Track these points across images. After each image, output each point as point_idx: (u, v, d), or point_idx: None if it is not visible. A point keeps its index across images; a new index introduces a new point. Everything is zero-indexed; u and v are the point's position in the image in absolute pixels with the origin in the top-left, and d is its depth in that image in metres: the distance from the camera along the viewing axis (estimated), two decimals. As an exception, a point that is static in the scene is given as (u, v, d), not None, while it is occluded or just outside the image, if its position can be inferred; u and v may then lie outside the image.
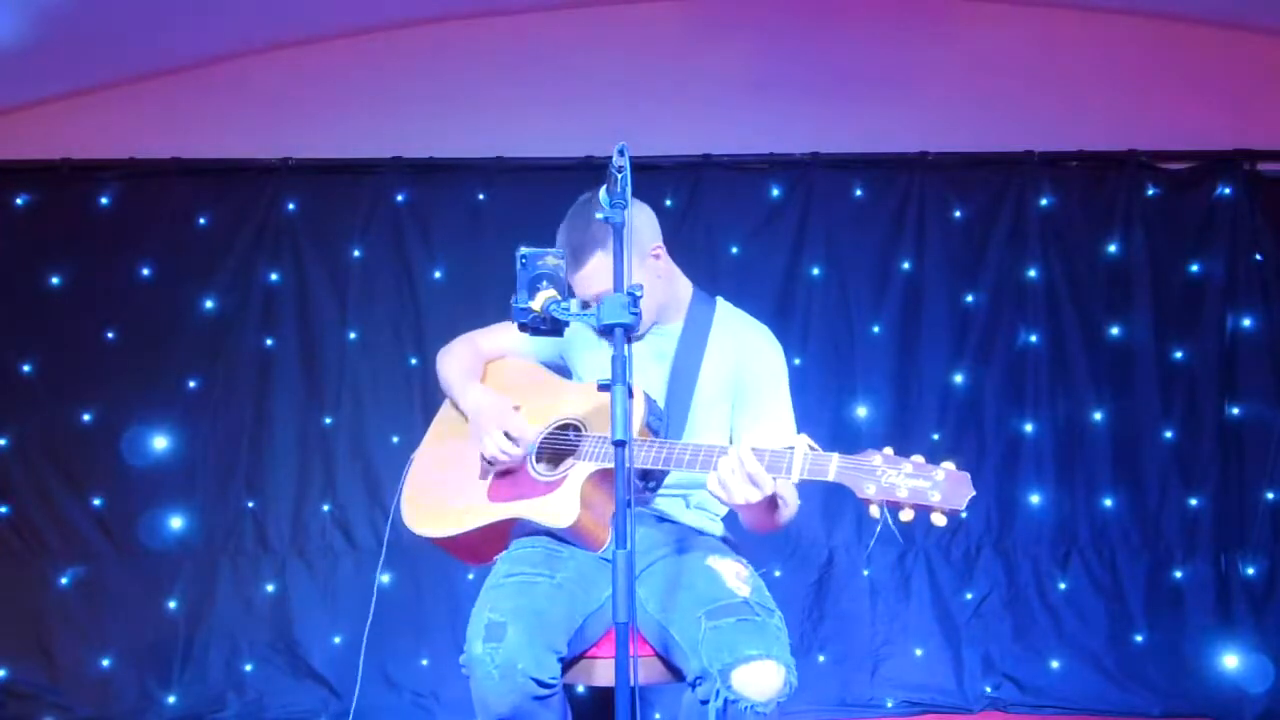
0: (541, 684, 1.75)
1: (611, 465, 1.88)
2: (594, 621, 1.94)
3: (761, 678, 1.74)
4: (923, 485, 1.66)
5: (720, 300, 2.24)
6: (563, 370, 2.30)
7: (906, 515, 1.68)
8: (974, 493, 1.66)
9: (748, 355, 2.14)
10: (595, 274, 2.02)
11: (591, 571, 1.98)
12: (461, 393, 2.23)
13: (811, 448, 1.76)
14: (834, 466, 1.72)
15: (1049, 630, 3.55)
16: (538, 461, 2.08)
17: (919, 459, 1.70)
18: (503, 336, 2.32)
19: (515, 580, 1.91)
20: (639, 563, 1.99)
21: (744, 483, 1.76)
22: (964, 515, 1.68)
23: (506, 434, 2.06)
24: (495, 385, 2.26)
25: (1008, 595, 3.57)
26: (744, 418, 2.12)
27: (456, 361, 2.30)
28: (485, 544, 2.12)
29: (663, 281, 2.12)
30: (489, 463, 2.10)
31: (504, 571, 1.97)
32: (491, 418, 2.10)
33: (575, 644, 1.90)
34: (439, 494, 2.17)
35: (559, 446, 2.07)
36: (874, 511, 1.70)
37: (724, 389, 2.12)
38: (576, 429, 2.07)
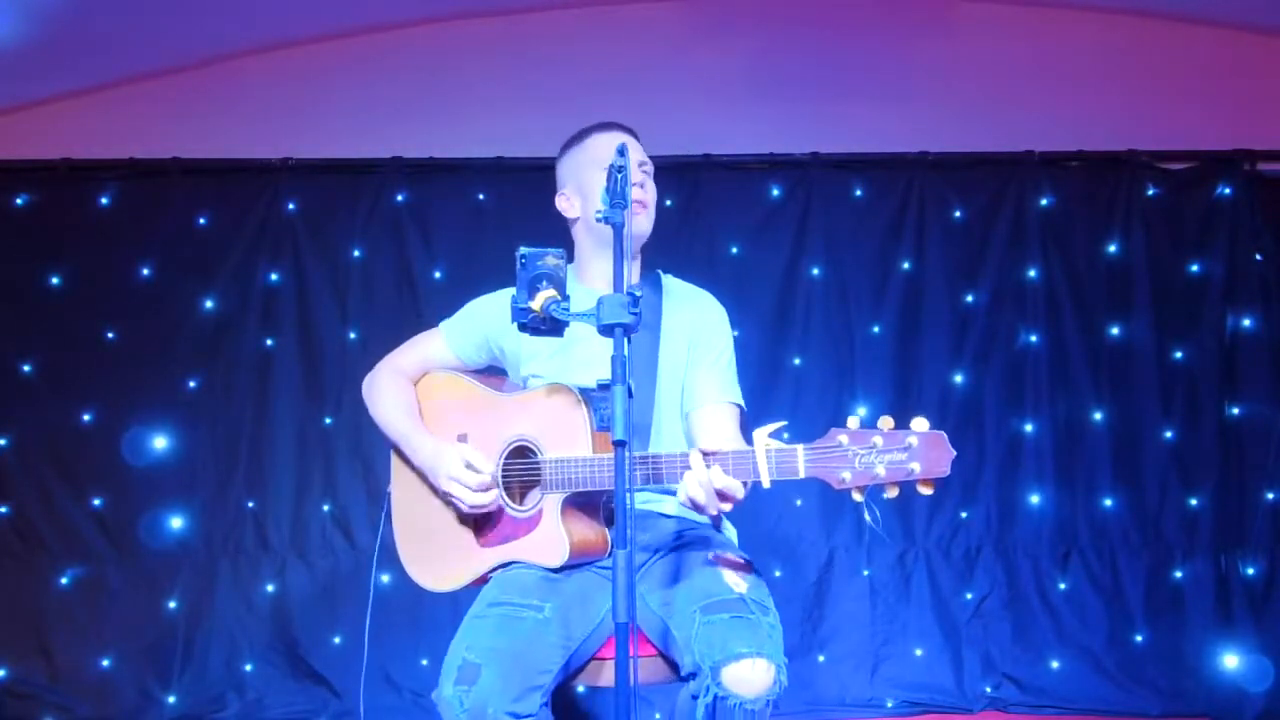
0: None
1: (579, 489, 1.90)
2: (594, 638, 1.93)
3: (751, 675, 1.72)
4: (899, 458, 1.60)
5: (663, 274, 2.26)
6: (494, 371, 2.26)
7: (892, 493, 1.63)
8: (954, 453, 1.59)
9: (702, 324, 2.17)
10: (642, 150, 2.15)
11: (591, 589, 1.96)
12: (410, 445, 2.13)
13: (773, 435, 1.70)
14: (802, 462, 1.67)
15: (1049, 630, 3.54)
16: (507, 493, 2.04)
17: (887, 423, 1.63)
18: (421, 350, 2.27)
19: (498, 613, 1.86)
20: (641, 559, 1.99)
21: (713, 499, 1.75)
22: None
23: (470, 488, 2.01)
24: (432, 409, 2.18)
25: (1008, 595, 3.57)
26: (695, 374, 2.12)
27: (390, 400, 2.20)
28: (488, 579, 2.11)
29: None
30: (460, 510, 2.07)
31: (490, 598, 1.92)
32: (446, 473, 2.02)
33: (572, 664, 1.89)
34: (433, 545, 2.12)
35: (521, 475, 2.03)
36: (856, 496, 1.65)
37: (681, 362, 2.13)
38: (532, 451, 2.01)
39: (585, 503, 1.97)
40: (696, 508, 1.78)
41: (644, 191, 2.12)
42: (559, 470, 1.93)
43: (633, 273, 2.17)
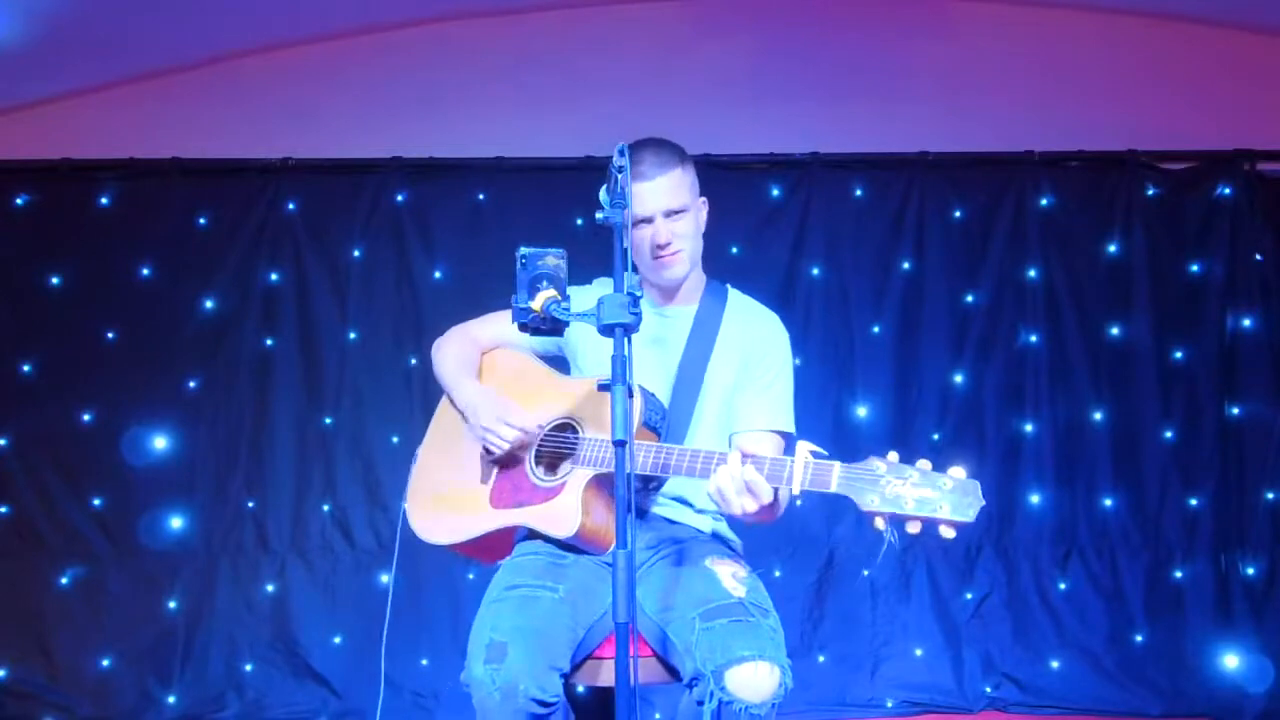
0: (542, 703, 1.74)
1: (610, 470, 1.88)
2: (596, 631, 1.94)
3: (755, 678, 1.73)
4: (930, 495, 1.62)
5: (730, 288, 2.24)
6: (559, 361, 2.28)
7: (913, 528, 1.64)
8: (983, 502, 1.61)
9: (757, 343, 2.15)
10: (678, 185, 2.05)
11: (593, 581, 1.97)
12: (456, 386, 2.20)
13: (814, 453, 1.73)
14: (835, 477, 1.69)
15: (1049, 630, 3.55)
16: (536, 464, 2.07)
17: (925, 465, 1.65)
18: (498, 325, 2.29)
19: (517, 595, 1.89)
20: (638, 562, 1.99)
21: (742, 494, 1.76)
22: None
23: (508, 423, 2.04)
24: (492, 377, 2.24)
25: (1008, 595, 3.57)
26: (743, 397, 2.12)
27: (453, 353, 2.27)
28: (490, 548, 2.11)
29: (700, 237, 2.15)
30: (489, 455, 2.09)
31: (505, 583, 1.94)
32: (489, 411, 2.08)
33: (579, 653, 1.90)
34: (442, 498, 2.16)
35: (557, 448, 2.06)
36: (879, 524, 1.66)
37: (731, 378, 2.13)
38: (574, 429, 2.05)
39: (609, 491, 1.98)
40: (722, 499, 1.79)
41: (664, 251, 2.06)
42: (596, 449, 1.96)
43: (689, 293, 2.18)
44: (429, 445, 2.27)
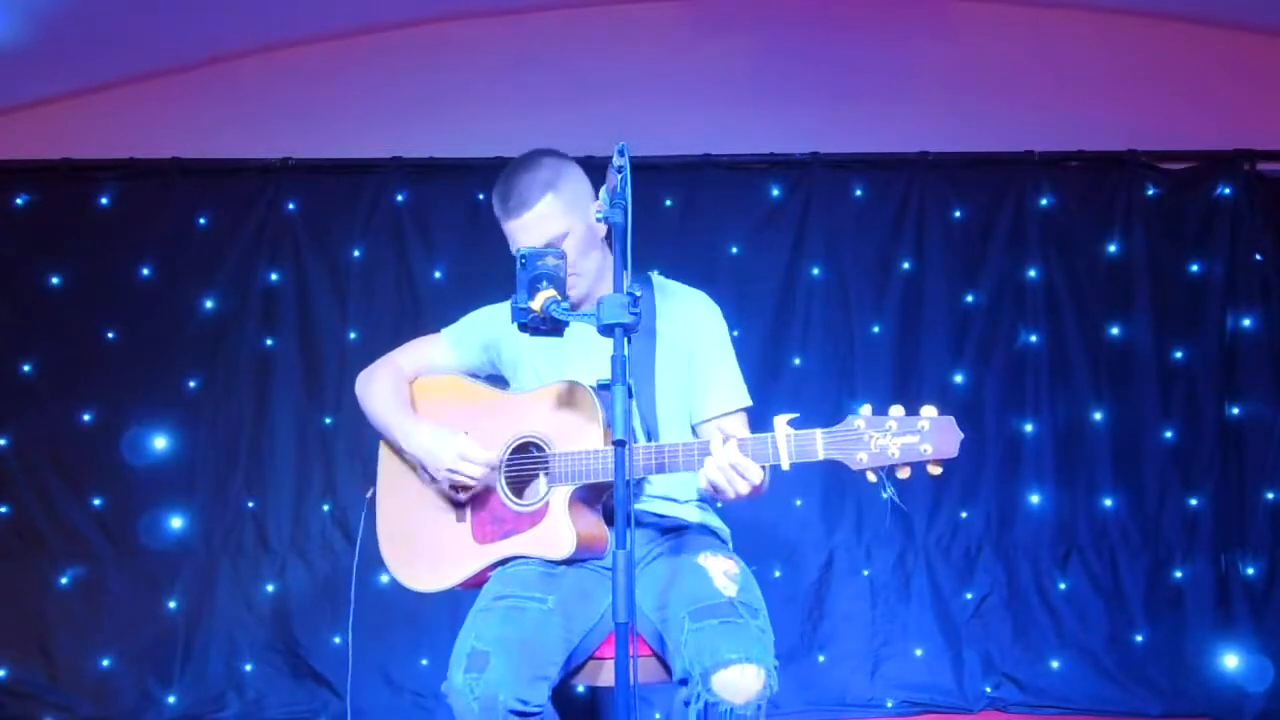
0: (522, 715, 1.73)
1: (590, 481, 1.92)
2: (594, 635, 1.93)
3: (741, 681, 1.73)
4: (912, 440, 1.69)
5: (655, 275, 2.23)
6: (494, 379, 2.24)
7: (904, 473, 1.71)
8: (962, 435, 1.68)
9: (696, 327, 2.15)
10: (542, 219, 2.01)
11: (590, 586, 1.96)
12: (402, 434, 2.11)
13: (791, 423, 1.77)
14: (820, 445, 1.75)
15: (1049, 630, 3.54)
16: (508, 488, 2.03)
17: (899, 411, 1.72)
18: (423, 352, 2.25)
19: (504, 605, 1.87)
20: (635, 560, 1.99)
21: (734, 479, 1.79)
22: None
23: (471, 460, 2.00)
24: (431, 409, 2.16)
25: (1008, 595, 3.57)
26: (701, 384, 2.12)
27: (384, 391, 2.18)
28: (482, 579, 2.07)
29: (594, 247, 2.09)
30: (456, 497, 2.06)
31: (494, 592, 1.92)
32: (447, 451, 2.01)
33: (574, 659, 1.89)
34: (423, 545, 2.10)
35: (526, 469, 2.03)
36: (870, 478, 1.72)
37: (680, 365, 2.12)
38: (538, 446, 2.02)
39: (590, 498, 1.98)
40: (715, 489, 1.81)
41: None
42: (568, 463, 1.94)
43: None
44: (386, 490, 2.21)
